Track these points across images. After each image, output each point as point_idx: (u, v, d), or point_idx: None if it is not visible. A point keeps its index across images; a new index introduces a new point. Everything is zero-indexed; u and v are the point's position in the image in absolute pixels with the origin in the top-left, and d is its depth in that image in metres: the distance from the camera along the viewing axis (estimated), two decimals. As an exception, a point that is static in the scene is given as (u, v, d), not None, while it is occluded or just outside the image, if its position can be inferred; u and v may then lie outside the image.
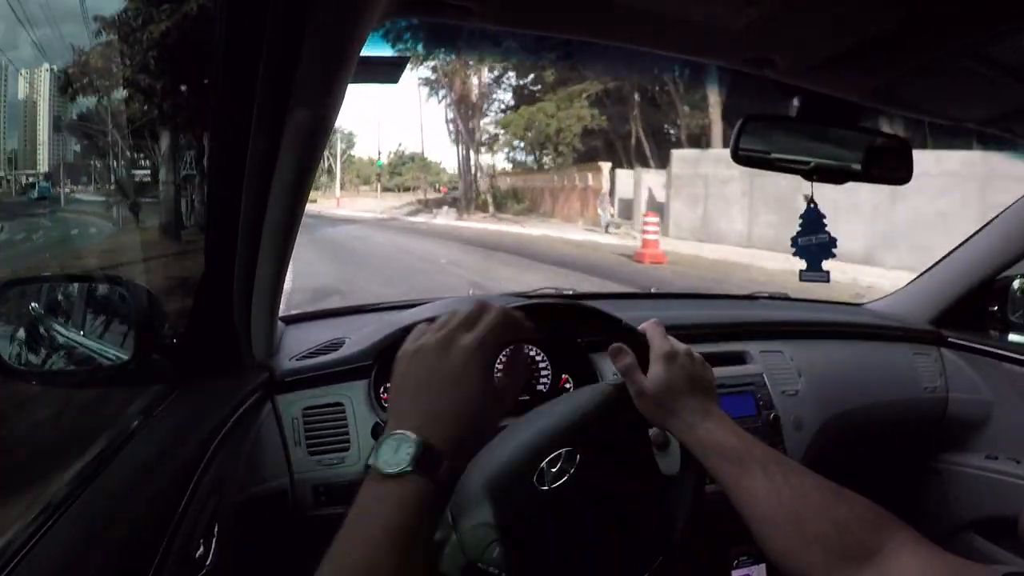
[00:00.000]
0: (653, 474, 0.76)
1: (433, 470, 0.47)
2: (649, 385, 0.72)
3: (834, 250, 0.92)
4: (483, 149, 22.85)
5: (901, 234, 8.47)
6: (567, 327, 1.20)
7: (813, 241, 0.91)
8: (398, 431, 0.48)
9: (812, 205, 0.92)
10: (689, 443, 0.71)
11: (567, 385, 1.24)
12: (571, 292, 1.69)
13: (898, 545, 0.58)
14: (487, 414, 0.54)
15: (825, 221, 0.92)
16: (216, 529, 0.71)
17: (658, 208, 12.47)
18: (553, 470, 0.70)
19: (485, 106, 22.52)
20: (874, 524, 0.60)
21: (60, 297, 0.91)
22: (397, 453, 0.47)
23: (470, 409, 0.51)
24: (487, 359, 0.53)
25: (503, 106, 22.55)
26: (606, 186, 15.56)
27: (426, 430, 0.48)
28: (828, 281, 0.90)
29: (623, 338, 0.77)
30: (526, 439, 0.73)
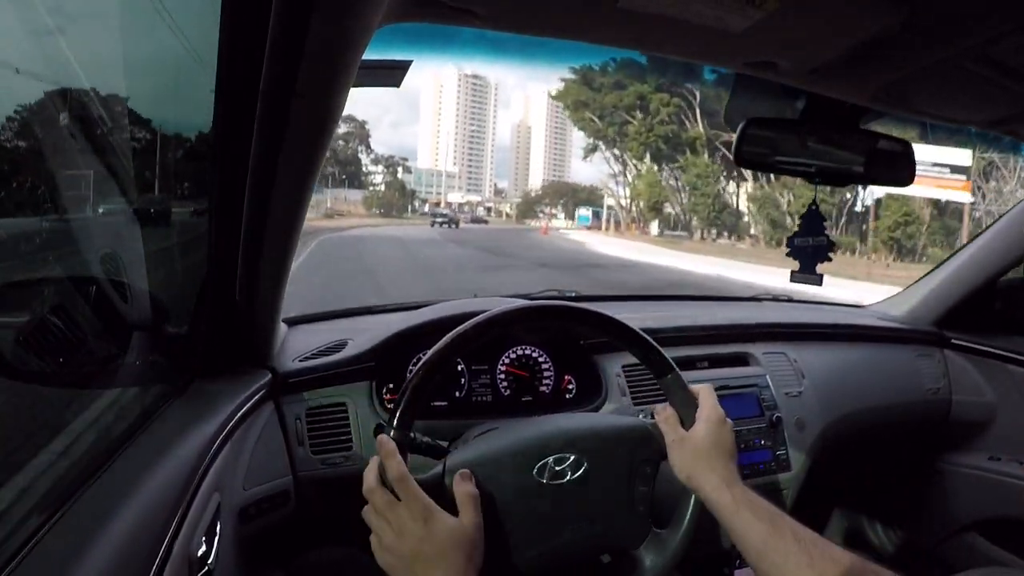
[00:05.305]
0: (643, 517, 0.77)
1: None
2: (695, 440, 0.75)
3: (831, 254, 0.92)
4: None
5: None
6: (602, 338, 1.20)
7: (810, 243, 0.92)
8: None
9: (814, 207, 0.92)
10: (721, 499, 0.71)
11: (570, 386, 1.24)
12: (573, 294, 1.69)
13: None
14: (469, 537, 0.64)
15: (825, 224, 0.92)
16: (218, 528, 0.71)
17: None
18: (557, 468, 0.72)
19: None
20: None
21: (62, 298, 0.91)
22: None
23: (456, 549, 0.63)
24: (423, 506, 0.63)
25: None
26: None
27: None
28: (820, 284, 0.91)
29: (673, 378, 0.80)
30: (547, 428, 0.76)
